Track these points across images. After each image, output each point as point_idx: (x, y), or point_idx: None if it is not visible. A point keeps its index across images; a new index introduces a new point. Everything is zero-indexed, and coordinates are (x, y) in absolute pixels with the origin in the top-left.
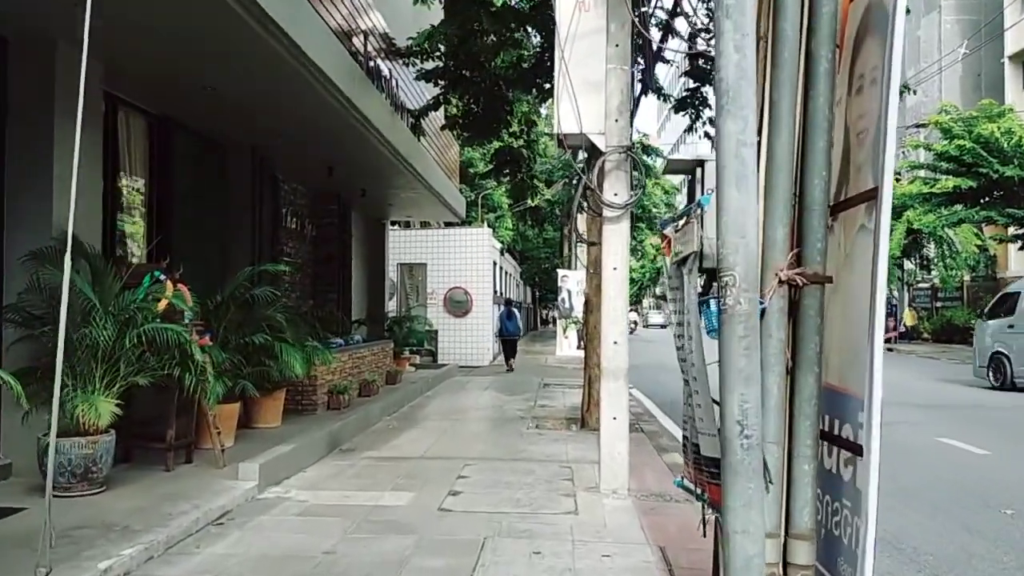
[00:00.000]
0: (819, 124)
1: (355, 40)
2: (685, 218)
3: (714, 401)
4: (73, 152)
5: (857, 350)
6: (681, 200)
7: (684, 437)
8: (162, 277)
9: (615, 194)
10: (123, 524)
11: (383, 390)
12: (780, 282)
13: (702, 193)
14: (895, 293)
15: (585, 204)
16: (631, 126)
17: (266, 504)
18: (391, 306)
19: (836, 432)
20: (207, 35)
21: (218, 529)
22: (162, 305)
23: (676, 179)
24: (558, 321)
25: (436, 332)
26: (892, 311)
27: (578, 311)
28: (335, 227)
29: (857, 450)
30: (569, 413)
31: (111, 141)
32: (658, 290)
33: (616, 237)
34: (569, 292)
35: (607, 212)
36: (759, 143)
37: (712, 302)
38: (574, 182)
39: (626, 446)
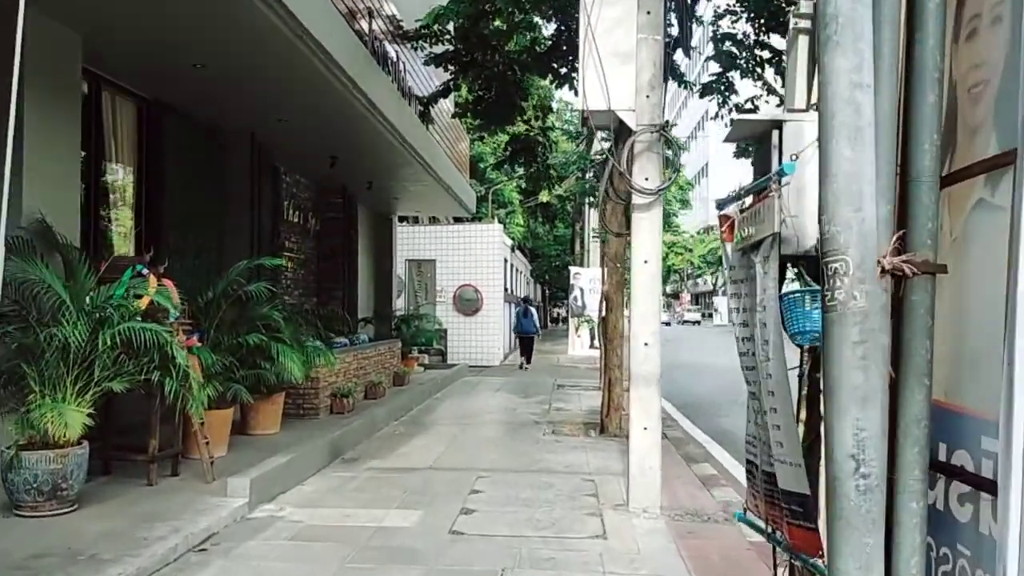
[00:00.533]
0: (928, 74)
1: (360, 21)
2: (757, 194)
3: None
4: (48, 136)
5: (976, 357)
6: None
7: (749, 462)
8: (145, 271)
9: (646, 178)
10: (90, 552)
11: (390, 392)
12: (883, 272)
13: (779, 162)
14: None
15: (611, 191)
16: (663, 103)
17: (256, 525)
18: (399, 304)
19: (945, 460)
20: (192, 1)
21: (199, 557)
22: (143, 302)
23: (691, 173)
24: (570, 320)
25: (445, 331)
26: None
27: (590, 309)
28: (340, 221)
29: (983, 485)
30: (587, 417)
31: (95, 125)
32: (668, 288)
33: (647, 226)
34: (581, 290)
35: (637, 198)
36: None
37: (806, 297)
38: (589, 176)
39: (658, 459)
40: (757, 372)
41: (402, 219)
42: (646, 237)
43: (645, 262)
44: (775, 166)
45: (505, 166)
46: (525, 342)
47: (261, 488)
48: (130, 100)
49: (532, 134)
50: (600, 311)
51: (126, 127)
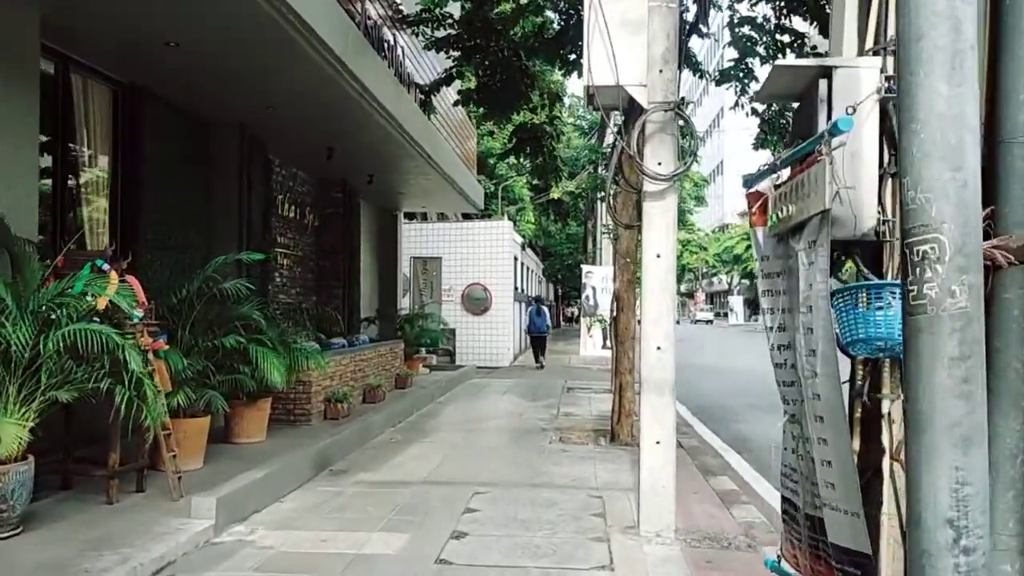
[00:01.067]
0: (1019, 17)
1: (354, 2)
2: (798, 163)
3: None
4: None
5: None
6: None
7: (786, 500)
8: (105, 267)
9: (659, 163)
10: None
11: (390, 396)
12: None
13: (828, 120)
14: None
15: (620, 179)
16: (678, 79)
17: (219, 552)
18: (404, 303)
19: None
20: None
21: None
22: (101, 303)
23: (706, 170)
24: (582, 320)
25: (454, 331)
26: None
27: (603, 309)
28: (340, 217)
29: None
30: (596, 423)
31: (63, 110)
32: (683, 287)
33: (660, 217)
34: (593, 289)
35: (648, 185)
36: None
37: (864, 294)
38: (601, 170)
39: (672, 477)
40: (799, 390)
41: (411, 216)
42: (659, 229)
43: (657, 256)
44: (822, 125)
45: (511, 157)
46: (537, 341)
47: (232, 507)
48: (104, 84)
49: (539, 123)
50: (611, 310)
51: (100, 113)
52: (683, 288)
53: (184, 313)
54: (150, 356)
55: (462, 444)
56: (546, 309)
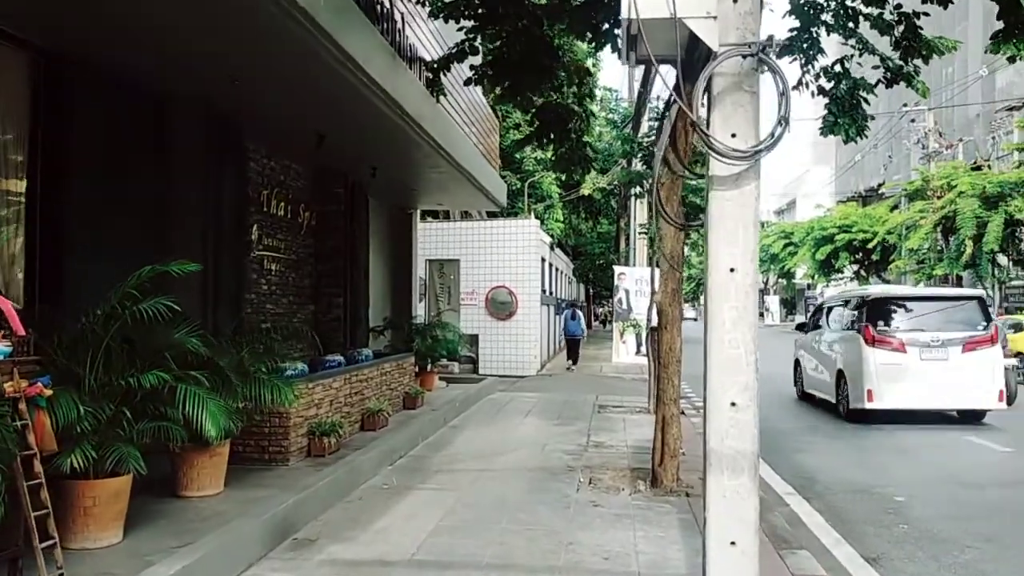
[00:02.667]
0: None
1: None
2: None
3: None
4: None
5: None
6: None
7: None
8: None
9: (733, 134)
10: None
11: (395, 420)
12: None
13: None
14: (991, 292)
15: (671, 158)
16: (760, 13)
17: None
18: (419, 310)
19: None
20: None
21: None
22: None
23: None
24: (614, 324)
25: (476, 337)
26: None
27: (636, 313)
28: (342, 215)
29: None
30: (634, 458)
31: None
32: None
33: (735, 213)
34: (627, 292)
35: (718, 167)
36: None
37: None
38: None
39: None
40: None
41: (433, 215)
42: (732, 230)
43: (731, 271)
44: None
45: (532, 144)
46: (572, 344)
47: None
48: (19, 52)
49: (566, 101)
50: (648, 321)
51: (9, 86)
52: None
53: (89, 343)
54: (22, 406)
55: (468, 494)
56: (581, 314)
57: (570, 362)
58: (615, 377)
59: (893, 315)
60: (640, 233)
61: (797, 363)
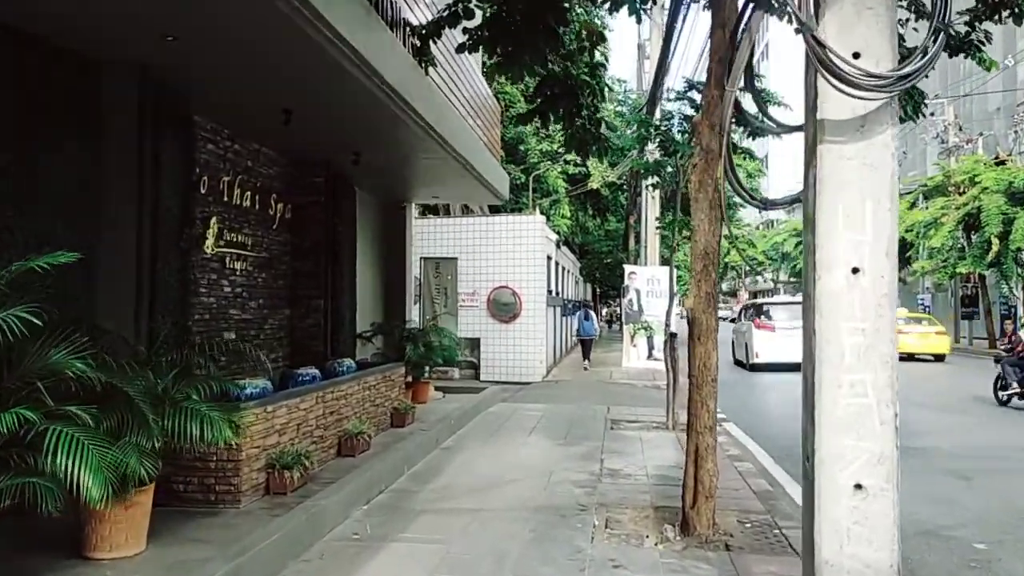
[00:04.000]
0: None
1: None
2: None
3: None
4: None
5: None
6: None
7: None
8: None
9: (855, 53)
10: None
11: (379, 442)
12: None
13: None
14: (1016, 292)
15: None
16: None
17: None
18: (415, 314)
19: None
20: None
21: None
22: None
23: (762, 151)
24: (624, 326)
25: (478, 341)
26: (1011, 314)
27: (647, 314)
28: (322, 207)
29: None
30: (657, 493)
31: None
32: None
33: (862, 178)
34: (637, 292)
35: (832, 106)
36: None
37: None
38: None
39: None
40: None
41: (432, 211)
42: (854, 206)
43: (855, 272)
44: None
45: (535, 122)
46: (585, 344)
47: None
48: None
49: (576, 72)
50: (667, 324)
51: None
52: (725, 287)
53: None
54: None
55: (457, 547)
56: (594, 315)
57: (587, 362)
58: (626, 384)
59: (771, 313)
60: (657, 228)
61: (733, 342)
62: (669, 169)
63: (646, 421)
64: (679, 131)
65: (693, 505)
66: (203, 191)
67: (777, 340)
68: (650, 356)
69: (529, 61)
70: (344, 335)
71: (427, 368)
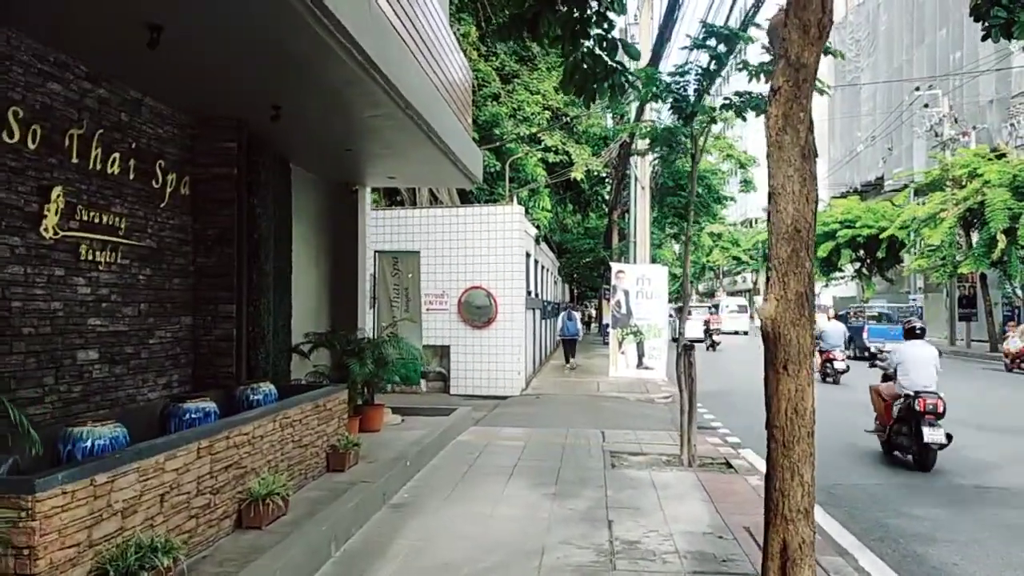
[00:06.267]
0: None
1: None
2: None
3: None
4: None
5: None
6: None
7: None
8: None
9: None
10: None
11: (304, 500)
12: None
13: None
14: (1019, 292)
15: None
16: None
17: None
18: (369, 320)
19: None
20: None
21: None
22: None
23: (753, 145)
24: (611, 331)
25: (448, 349)
26: (1014, 315)
27: (639, 318)
28: (233, 182)
29: None
30: None
31: None
32: (701, 287)
33: None
34: (626, 293)
35: None
36: None
37: None
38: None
39: None
40: None
41: (399, 203)
42: None
43: None
44: None
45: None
46: (569, 344)
47: None
48: None
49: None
50: (681, 331)
51: None
52: (701, 288)
53: None
54: None
55: None
56: (577, 315)
57: (573, 361)
58: (616, 398)
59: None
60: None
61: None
62: (682, 138)
63: (653, 453)
64: (695, 89)
65: None
66: (32, 144)
67: (724, 324)
68: (640, 364)
69: (527, 29)
70: (268, 350)
71: (382, 387)
